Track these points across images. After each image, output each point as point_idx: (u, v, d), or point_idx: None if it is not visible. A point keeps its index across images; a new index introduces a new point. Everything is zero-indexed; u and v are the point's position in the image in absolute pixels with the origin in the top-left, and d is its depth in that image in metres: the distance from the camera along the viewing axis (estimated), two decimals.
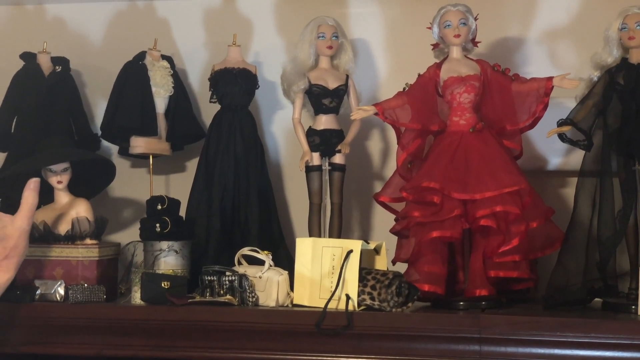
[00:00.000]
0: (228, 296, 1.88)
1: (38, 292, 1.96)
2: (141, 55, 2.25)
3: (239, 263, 1.98)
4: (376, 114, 1.96)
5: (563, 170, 2.18)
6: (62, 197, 2.08)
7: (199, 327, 1.85)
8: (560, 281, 1.90)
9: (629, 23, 1.91)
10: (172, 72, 2.25)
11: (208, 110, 2.30)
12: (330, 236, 2.08)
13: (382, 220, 2.16)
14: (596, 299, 1.93)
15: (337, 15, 2.21)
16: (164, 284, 1.91)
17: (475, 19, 1.98)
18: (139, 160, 2.35)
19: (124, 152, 2.29)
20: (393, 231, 1.97)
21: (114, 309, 1.93)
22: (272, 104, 2.37)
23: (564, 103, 2.01)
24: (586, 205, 1.93)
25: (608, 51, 1.94)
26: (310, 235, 2.07)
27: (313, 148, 2.07)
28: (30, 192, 1.62)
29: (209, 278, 1.91)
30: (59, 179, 2.06)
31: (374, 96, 2.27)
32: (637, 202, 1.89)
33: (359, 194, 2.28)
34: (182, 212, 2.15)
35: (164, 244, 1.99)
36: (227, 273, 1.91)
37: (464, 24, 1.95)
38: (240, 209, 2.16)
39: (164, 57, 2.27)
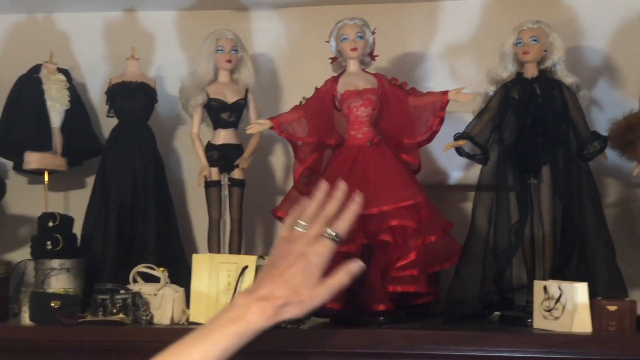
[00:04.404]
0: (120, 315, 1.83)
1: None
2: (36, 69, 2.20)
3: (135, 280, 1.93)
4: (272, 127, 1.94)
5: (464, 185, 2.19)
6: None
7: (89, 347, 1.80)
8: (458, 294, 1.90)
9: (524, 38, 1.93)
10: (68, 85, 2.20)
11: (109, 125, 2.25)
12: (230, 252, 2.05)
13: None
14: (496, 312, 1.94)
15: (239, 29, 2.19)
16: (54, 304, 1.85)
17: (373, 32, 1.98)
18: (37, 176, 2.29)
19: (19, 167, 2.22)
20: None
21: (2, 329, 1.87)
22: (174, 118, 2.34)
23: (463, 117, 2.02)
24: (483, 219, 1.93)
25: (503, 66, 1.96)
26: (210, 251, 2.04)
27: (212, 163, 2.05)
28: None
29: (102, 296, 1.86)
30: None
31: (276, 110, 2.24)
32: (533, 216, 1.91)
33: (262, 210, 2.26)
34: (79, 229, 2.11)
35: (55, 262, 1.94)
36: (121, 291, 1.86)
37: (360, 37, 1.95)
38: (138, 225, 2.12)
39: (60, 70, 2.21)
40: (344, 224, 1.46)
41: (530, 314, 1.80)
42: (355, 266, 1.46)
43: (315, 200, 1.47)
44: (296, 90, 2.24)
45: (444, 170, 2.21)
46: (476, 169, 2.02)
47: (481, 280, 1.89)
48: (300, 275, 1.43)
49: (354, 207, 1.47)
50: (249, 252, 2.24)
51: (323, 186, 1.47)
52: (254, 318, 1.40)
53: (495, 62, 1.99)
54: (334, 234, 1.45)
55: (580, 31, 2.22)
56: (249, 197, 2.13)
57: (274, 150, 2.32)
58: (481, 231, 1.92)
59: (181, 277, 2.01)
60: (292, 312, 1.43)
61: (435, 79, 2.25)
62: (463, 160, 2.01)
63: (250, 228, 2.28)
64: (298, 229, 1.46)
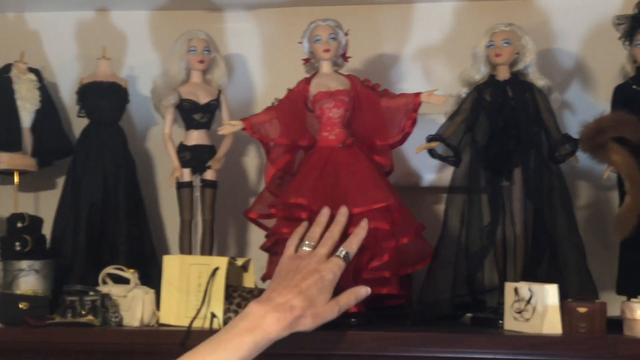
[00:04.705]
0: (89, 317, 1.82)
1: None
2: (6, 68, 2.17)
3: (104, 282, 1.92)
4: (244, 129, 1.93)
5: (437, 187, 2.19)
6: None
7: (57, 349, 1.78)
8: (430, 296, 1.90)
9: (496, 40, 1.93)
10: (39, 85, 2.18)
11: (81, 125, 2.23)
12: (202, 254, 2.03)
13: (259, 237, 2.12)
14: (468, 314, 1.94)
15: (214, 30, 2.18)
16: (22, 305, 1.83)
17: (346, 34, 1.98)
18: (7, 176, 2.26)
19: None
20: (263, 248, 1.93)
21: None
22: (147, 119, 2.32)
23: (436, 119, 2.02)
24: (455, 221, 1.93)
25: (476, 68, 1.96)
26: (181, 252, 2.03)
27: (184, 164, 2.03)
28: None
29: (71, 298, 1.84)
30: None
31: (250, 112, 2.22)
32: (504, 218, 1.91)
33: (235, 211, 2.25)
34: (49, 230, 2.09)
35: (24, 264, 1.92)
36: (90, 292, 1.85)
37: (333, 38, 1.94)
38: (108, 226, 2.10)
39: (31, 69, 2.19)
40: (353, 245, 1.55)
41: (501, 316, 1.80)
42: (363, 292, 1.56)
43: (319, 222, 1.56)
44: (270, 91, 2.24)
45: (417, 172, 2.21)
46: (449, 171, 2.01)
47: (453, 282, 1.89)
48: (315, 289, 1.46)
49: (361, 230, 1.57)
50: (221, 253, 2.23)
51: (325, 211, 1.59)
52: (272, 327, 1.41)
53: (468, 64, 2.00)
54: (345, 253, 1.52)
55: (553, 34, 2.23)
56: (222, 199, 2.12)
57: (247, 151, 2.32)
58: (453, 233, 1.92)
59: (152, 278, 1.99)
60: (306, 324, 1.45)
61: (409, 81, 2.25)
62: (436, 162, 2.01)
63: (222, 229, 2.28)
64: (305, 248, 1.52)
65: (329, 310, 1.51)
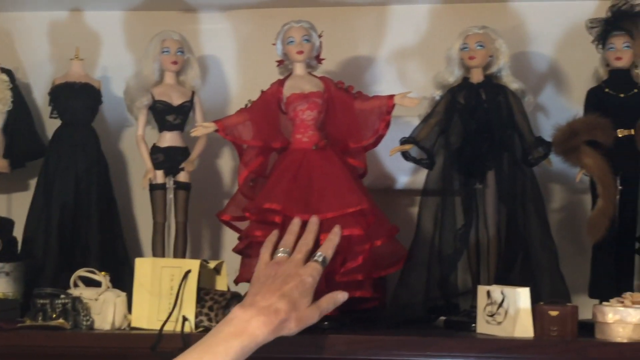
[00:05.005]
0: (60, 320, 1.80)
1: None
2: None
3: (76, 285, 1.90)
4: (217, 130, 1.92)
5: (411, 189, 2.19)
6: None
7: (28, 352, 1.76)
8: (403, 299, 1.90)
9: (470, 43, 1.94)
10: (11, 85, 2.15)
11: (53, 126, 2.21)
12: (175, 256, 2.02)
13: (233, 239, 2.10)
14: (442, 317, 1.94)
15: (188, 31, 2.17)
16: None
17: (320, 35, 1.97)
18: None
19: None
20: (236, 250, 1.93)
21: None
22: (120, 120, 2.30)
23: (410, 122, 2.02)
24: (429, 224, 1.94)
25: (450, 71, 1.97)
26: (154, 255, 2.02)
27: (157, 166, 2.02)
28: None
29: (42, 301, 1.82)
30: None
31: (224, 113, 2.21)
32: (478, 220, 1.91)
33: (209, 213, 2.23)
34: (21, 232, 2.07)
35: None
36: (61, 296, 1.83)
37: (307, 40, 1.94)
38: (81, 228, 2.09)
39: (3, 70, 2.17)
40: (328, 250, 1.56)
41: (474, 319, 1.80)
42: (340, 297, 1.55)
43: (292, 231, 1.58)
44: (244, 92, 2.24)
45: (391, 175, 2.21)
46: (424, 174, 2.02)
47: (426, 285, 1.89)
48: (297, 293, 1.47)
49: (334, 237, 1.58)
50: (195, 256, 2.22)
51: (296, 220, 1.61)
52: (258, 331, 1.41)
53: (443, 66, 2.00)
54: (323, 257, 1.54)
55: (527, 37, 2.24)
56: (196, 201, 2.11)
57: (221, 153, 2.30)
58: (427, 236, 1.93)
59: (125, 281, 1.98)
60: (290, 328, 1.46)
61: (384, 83, 2.25)
62: (410, 165, 2.01)
63: (196, 232, 2.27)
64: (281, 254, 1.54)
65: (311, 315, 1.51)
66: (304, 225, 1.60)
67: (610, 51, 1.93)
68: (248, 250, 1.89)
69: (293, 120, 1.93)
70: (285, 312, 1.45)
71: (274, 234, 1.60)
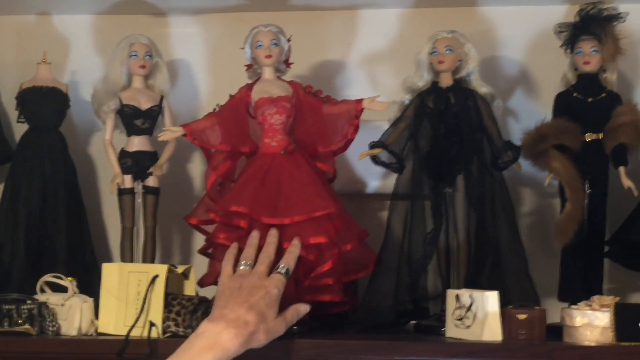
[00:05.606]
0: (26, 325, 1.78)
1: None
2: None
3: (42, 290, 1.88)
4: (184, 135, 1.91)
5: (382, 193, 2.18)
6: None
7: None
8: (373, 303, 1.89)
9: (439, 47, 1.94)
10: None
11: (21, 131, 2.19)
12: (144, 261, 2.01)
13: (203, 244, 2.11)
14: (412, 321, 1.94)
15: (158, 35, 2.16)
16: None
17: (288, 40, 1.97)
18: None
19: None
20: (200, 251, 1.93)
21: None
22: (89, 124, 2.29)
23: (380, 126, 2.02)
24: (398, 228, 1.93)
25: (419, 75, 1.97)
26: (122, 260, 2.00)
27: (125, 170, 2.00)
28: None
29: (7, 307, 1.80)
30: None
31: (194, 117, 2.18)
32: (448, 225, 1.91)
33: (179, 218, 2.21)
34: None
35: None
36: (27, 301, 1.81)
37: (275, 44, 1.93)
38: (48, 233, 2.06)
39: None
40: (290, 262, 1.61)
41: (444, 323, 1.80)
42: (302, 309, 1.60)
43: (252, 244, 1.62)
44: (214, 96, 2.22)
45: (361, 179, 2.21)
46: (394, 178, 2.01)
47: (395, 289, 1.89)
48: (263, 304, 1.49)
49: (294, 249, 1.65)
50: (164, 261, 2.21)
51: (255, 233, 1.67)
52: (229, 343, 1.43)
53: (413, 70, 1.99)
54: (286, 269, 1.58)
55: (496, 42, 2.24)
56: (166, 205, 2.09)
57: (191, 157, 2.29)
58: (396, 240, 1.92)
59: (94, 286, 1.95)
60: (260, 340, 1.48)
61: (354, 87, 2.24)
62: (381, 169, 2.01)
63: (166, 236, 2.25)
64: (243, 267, 1.58)
65: (279, 326, 1.53)
66: (262, 237, 1.62)
67: (579, 55, 1.94)
68: (212, 252, 1.89)
69: (262, 125, 1.92)
70: (254, 324, 1.46)
71: (234, 246, 1.63)
